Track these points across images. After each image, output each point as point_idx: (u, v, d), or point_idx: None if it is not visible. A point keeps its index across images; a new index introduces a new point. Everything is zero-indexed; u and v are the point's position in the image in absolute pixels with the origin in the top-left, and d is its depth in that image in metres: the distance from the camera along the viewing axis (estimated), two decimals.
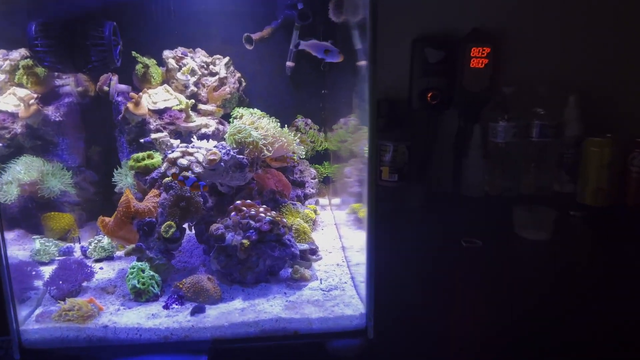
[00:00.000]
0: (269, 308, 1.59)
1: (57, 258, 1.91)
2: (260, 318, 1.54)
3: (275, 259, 1.72)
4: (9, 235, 2.06)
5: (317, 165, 2.54)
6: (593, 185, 2.43)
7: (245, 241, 1.68)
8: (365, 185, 1.56)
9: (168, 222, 1.71)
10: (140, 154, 1.92)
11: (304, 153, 2.21)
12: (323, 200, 2.49)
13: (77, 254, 1.95)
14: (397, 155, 2.55)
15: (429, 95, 2.58)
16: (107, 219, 1.76)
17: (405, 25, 2.46)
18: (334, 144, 2.40)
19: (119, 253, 1.94)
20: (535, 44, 2.52)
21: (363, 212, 1.99)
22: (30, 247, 1.93)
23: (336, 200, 2.42)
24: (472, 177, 2.69)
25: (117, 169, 2.13)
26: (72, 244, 1.96)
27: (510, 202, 2.47)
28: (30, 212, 2.07)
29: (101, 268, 1.85)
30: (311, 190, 2.34)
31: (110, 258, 1.92)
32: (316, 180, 2.41)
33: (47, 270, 1.78)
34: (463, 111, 2.67)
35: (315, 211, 2.30)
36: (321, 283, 1.74)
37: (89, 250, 1.91)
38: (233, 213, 1.80)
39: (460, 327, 1.71)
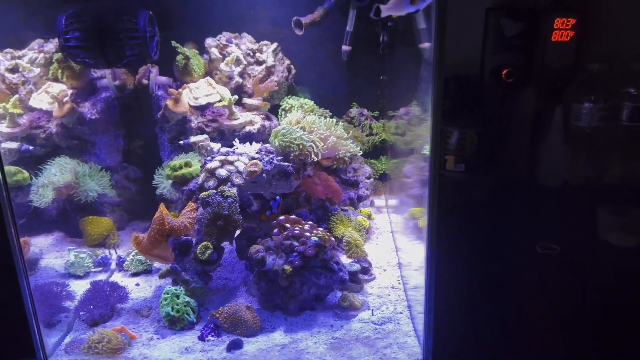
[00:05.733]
0: (313, 346, 1.42)
1: (92, 270, 1.81)
2: None
3: (320, 287, 1.54)
4: (48, 240, 1.99)
5: (373, 161, 2.31)
6: None
7: (287, 267, 1.50)
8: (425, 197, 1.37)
9: (204, 243, 1.55)
10: (177, 162, 1.76)
11: (358, 150, 1.98)
12: (379, 201, 2.28)
13: (114, 264, 1.84)
14: (464, 142, 2.27)
15: (504, 72, 2.26)
16: (140, 236, 1.63)
17: None
18: (392, 135, 2.17)
19: (157, 265, 1.81)
20: (630, 12, 2.13)
21: (424, 220, 1.76)
22: (67, 253, 1.84)
23: (394, 202, 2.20)
24: (551, 165, 2.38)
25: (157, 170, 1.99)
26: (108, 254, 1.86)
27: (594, 195, 2.17)
28: (68, 215, 1.97)
29: (137, 284, 1.74)
30: (365, 191, 2.13)
31: (147, 272, 1.80)
32: (371, 180, 2.18)
33: (80, 285, 1.69)
34: (543, 90, 2.34)
35: (369, 216, 2.09)
36: (373, 314, 1.55)
37: (126, 263, 1.80)
38: (275, 230, 1.62)
39: None
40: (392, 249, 1.94)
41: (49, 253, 1.93)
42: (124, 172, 2.11)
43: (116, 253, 1.86)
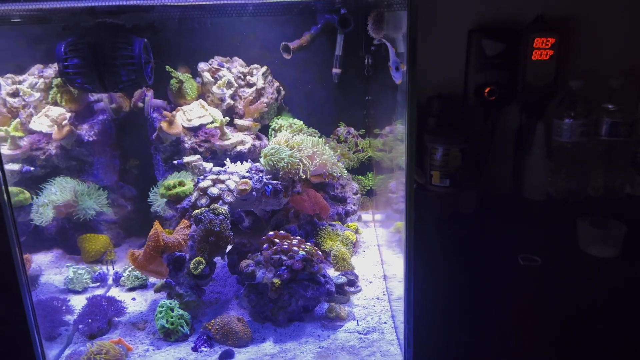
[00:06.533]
0: (300, 356, 1.50)
1: (90, 285, 1.88)
2: None
3: (308, 299, 1.62)
4: (47, 257, 2.07)
5: (360, 177, 2.41)
6: None
7: (276, 280, 1.59)
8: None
9: (197, 258, 1.64)
10: (172, 181, 1.85)
11: (345, 172, 2.08)
12: (366, 216, 2.37)
13: (111, 280, 1.92)
14: (449, 158, 2.37)
15: (487, 90, 2.35)
16: (136, 252, 1.71)
17: (460, 14, 2.23)
18: (377, 152, 2.26)
19: (153, 280, 1.90)
20: (607, 31, 2.23)
21: None
22: (66, 270, 1.92)
23: (380, 216, 2.29)
24: (534, 179, 2.45)
25: (152, 189, 2.08)
26: (106, 270, 1.94)
27: (576, 207, 2.25)
28: (67, 233, 2.05)
29: (133, 299, 1.82)
30: (353, 207, 2.22)
31: (143, 287, 1.88)
32: (358, 195, 2.28)
33: (79, 300, 1.76)
34: (525, 107, 2.42)
35: (356, 230, 2.18)
36: (358, 324, 1.63)
37: (123, 278, 1.87)
38: (265, 246, 1.71)
39: None
40: (378, 261, 2.03)
41: (48, 270, 2.00)
42: (120, 191, 2.19)
43: (113, 269, 1.94)
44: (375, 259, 2.05)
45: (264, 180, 1.78)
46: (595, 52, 2.27)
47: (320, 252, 1.73)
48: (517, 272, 2.08)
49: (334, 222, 2.10)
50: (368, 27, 1.76)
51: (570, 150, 2.37)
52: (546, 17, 2.21)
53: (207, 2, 1.88)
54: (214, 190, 1.75)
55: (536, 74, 2.28)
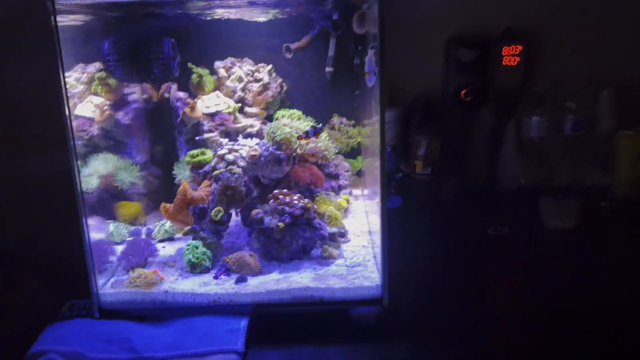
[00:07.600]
0: (300, 279, 1.89)
1: (127, 238, 2.28)
2: (291, 287, 1.84)
3: (306, 239, 2.01)
4: (89, 222, 2.46)
5: (351, 160, 2.81)
6: (625, 177, 2.56)
7: (280, 224, 1.98)
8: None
9: (217, 208, 2.04)
10: (195, 151, 2.26)
11: (333, 154, 2.48)
12: (357, 192, 2.76)
13: (144, 235, 2.32)
14: (430, 149, 2.75)
15: (463, 92, 2.74)
16: (168, 205, 2.11)
17: (439, 26, 2.65)
18: (365, 139, 2.66)
19: (178, 235, 2.29)
20: (569, 39, 2.61)
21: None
22: (105, 231, 2.30)
23: (367, 191, 2.68)
24: (507, 171, 2.79)
25: (176, 163, 2.48)
26: (139, 227, 2.33)
27: (541, 192, 2.60)
28: (105, 202, 2.45)
29: (164, 247, 2.21)
30: (345, 181, 2.62)
31: (171, 239, 2.27)
32: (350, 172, 2.68)
33: (119, 248, 2.15)
34: (497, 107, 2.79)
35: (348, 200, 2.57)
36: (346, 261, 2.02)
37: (154, 232, 2.27)
38: (271, 200, 2.10)
39: (470, 303, 1.96)
40: (365, 223, 2.41)
41: (90, 231, 2.39)
42: (149, 169, 2.60)
43: (145, 226, 2.34)
44: (363, 220, 2.44)
45: (270, 149, 2.19)
46: (557, 58, 2.69)
47: (315, 207, 2.12)
48: (485, 239, 2.44)
49: (328, 192, 2.50)
50: (353, 24, 2.19)
51: (538, 144, 2.75)
52: (515, 27, 2.63)
53: None
54: (230, 157, 2.16)
55: (506, 78, 2.69)
